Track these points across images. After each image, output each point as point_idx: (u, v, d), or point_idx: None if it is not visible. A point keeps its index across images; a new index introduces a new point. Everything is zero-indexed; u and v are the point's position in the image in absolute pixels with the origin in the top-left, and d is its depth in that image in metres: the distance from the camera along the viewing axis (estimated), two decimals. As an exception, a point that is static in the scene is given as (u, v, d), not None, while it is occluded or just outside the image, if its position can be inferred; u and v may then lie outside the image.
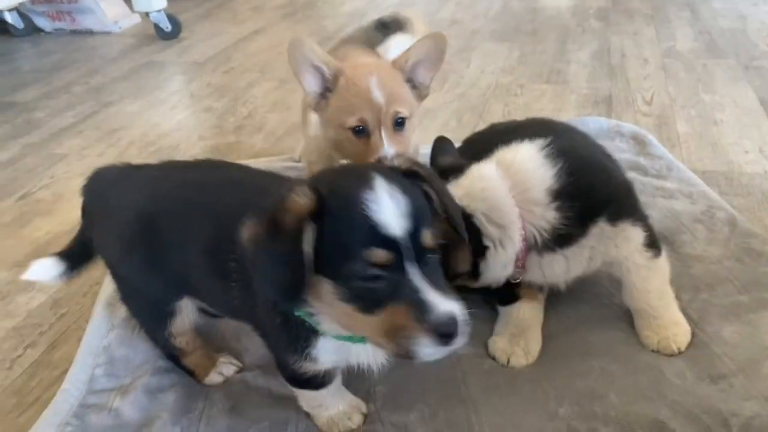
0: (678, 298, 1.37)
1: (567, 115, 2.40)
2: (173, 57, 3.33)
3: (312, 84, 1.39)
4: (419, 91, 1.44)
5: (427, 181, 0.91)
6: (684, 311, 1.34)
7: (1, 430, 1.25)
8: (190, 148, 2.31)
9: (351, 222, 0.81)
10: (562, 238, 1.19)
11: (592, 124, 2.09)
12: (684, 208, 1.66)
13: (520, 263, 1.22)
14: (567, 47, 3.10)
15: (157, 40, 3.56)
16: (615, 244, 1.23)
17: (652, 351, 1.26)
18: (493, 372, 1.23)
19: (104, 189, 1.24)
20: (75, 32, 3.80)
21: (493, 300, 1.36)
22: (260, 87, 2.84)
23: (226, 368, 1.29)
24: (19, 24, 3.75)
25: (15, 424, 1.25)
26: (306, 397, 1.14)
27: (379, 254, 0.80)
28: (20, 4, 3.49)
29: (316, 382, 1.08)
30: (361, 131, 1.36)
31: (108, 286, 1.51)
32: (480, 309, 1.38)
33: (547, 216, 1.17)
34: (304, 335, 0.97)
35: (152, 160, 2.22)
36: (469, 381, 1.21)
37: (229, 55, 3.27)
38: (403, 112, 1.36)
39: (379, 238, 0.80)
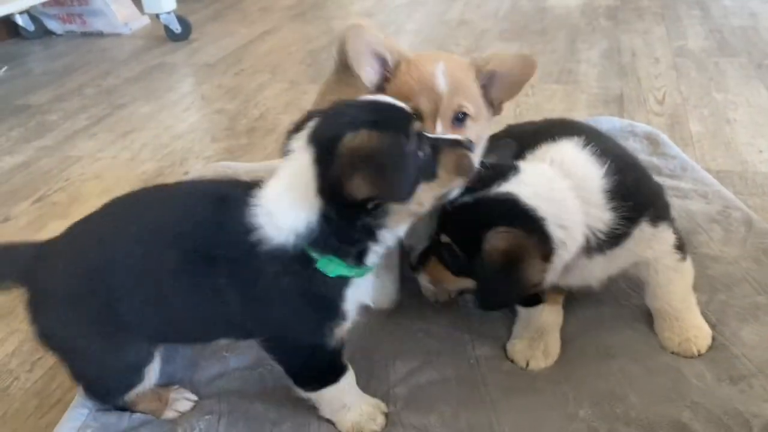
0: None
1: (578, 115, 2.39)
2: (184, 58, 3.34)
3: (371, 74, 1.22)
4: (489, 108, 1.24)
5: None
6: (702, 312, 1.34)
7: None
8: (204, 150, 2.32)
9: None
10: (613, 240, 1.18)
11: (605, 123, 2.09)
12: (699, 208, 1.65)
13: (570, 265, 1.18)
14: (577, 46, 3.09)
15: (167, 41, 3.58)
16: (650, 246, 1.23)
17: (672, 353, 1.26)
18: (513, 374, 1.24)
19: (37, 268, 1.12)
20: (85, 34, 3.82)
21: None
22: (272, 88, 2.85)
23: (180, 404, 1.24)
24: (30, 27, 3.78)
25: (37, 426, 1.27)
26: (327, 399, 1.15)
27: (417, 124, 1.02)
28: (31, 6, 3.51)
29: (336, 369, 1.12)
30: None
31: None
32: (498, 311, 1.39)
33: (604, 217, 1.16)
34: (334, 290, 1.04)
35: (166, 162, 2.25)
36: (489, 382, 1.22)
37: (240, 57, 3.28)
38: (468, 107, 1.17)
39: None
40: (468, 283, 1.16)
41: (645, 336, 1.31)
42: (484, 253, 1.06)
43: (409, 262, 1.28)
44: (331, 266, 1.01)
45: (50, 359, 1.41)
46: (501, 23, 3.56)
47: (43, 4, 3.71)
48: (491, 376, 1.23)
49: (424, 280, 1.25)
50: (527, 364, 1.24)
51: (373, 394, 1.22)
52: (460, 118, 1.18)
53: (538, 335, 1.27)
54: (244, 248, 1.00)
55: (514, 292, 1.13)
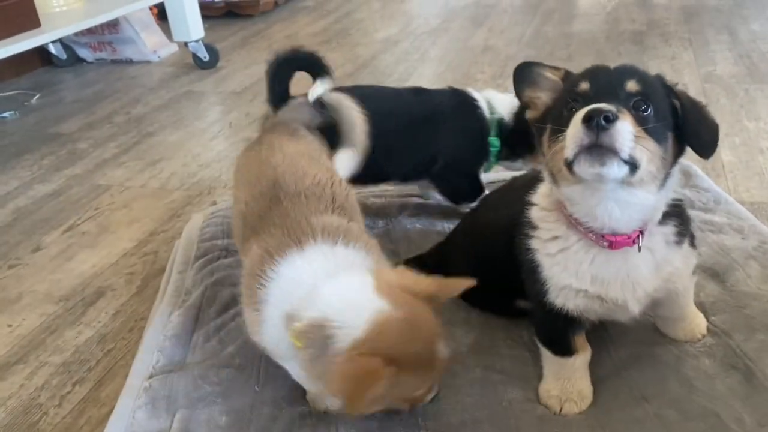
0: (731, 338, 1.35)
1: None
2: (211, 86, 3.39)
3: None
4: None
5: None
6: (738, 350, 1.31)
7: (52, 468, 1.26)
8: (231, 180, 2.33)
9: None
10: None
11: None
12: (735, 243, 1.62)
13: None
14: (604, 73, 3.06)
15: (195, 69, 3.63)
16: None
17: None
18: (546, 419, 1.20)
19: None
20: (115, 62, 3.89)
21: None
22: (297, 116, 2.86)
23: None
24: (62, 55, 3.86)
25: (65, 463, 1.27)
26: None
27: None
28: (64, 35, 3.58)
29: None
30: None
31: (155, 324, 1.52)
32: (528, 352, 1.37)
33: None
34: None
35: (194, 191, 2.27)
36: (522, 428, 1.19)
37: (266, 85, 3.31)
38: None
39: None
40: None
41: (678, 375, 1.27)
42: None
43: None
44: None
45: (78, 394, 1.42)
46: (526, 49, 3.55)
47: (75, 33, 3.79)
48: (524, 422, 1.20)
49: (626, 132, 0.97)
50: (561, 409, 1.21)
51: (403, 426, 1.21)
52: None
53: (571, 382, 1.24)
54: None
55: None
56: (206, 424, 1.24)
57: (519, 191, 1.32)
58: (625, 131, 0.97)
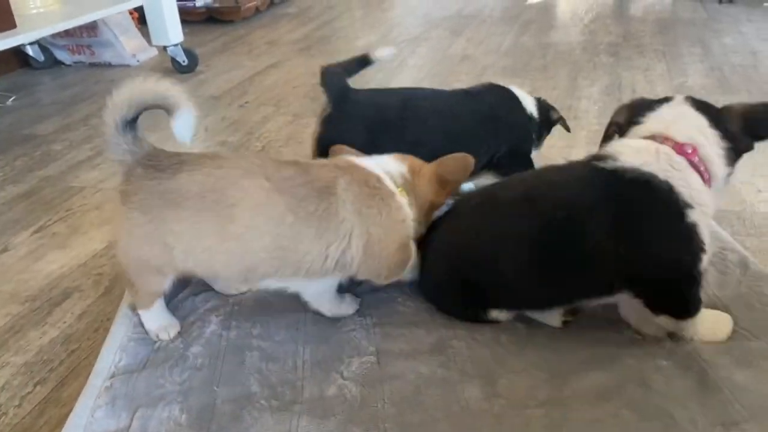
0: (689, 341, 1.37)
1: (578, 151, 2.41)
2: (190, 90, 3.33)
3: None
4: None
5: None
6: (695, 352, 1.34)
7: (10, 468, 1.26)
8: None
9: None
10: None
11: (603, 162, 2.09)
12: (695, 248, 1.65)
13: None
14: (578, 83, 3.12)
15: (174, 73, 3.63)
16: None
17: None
18: (503, 417, 1.21)
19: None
20: (94, 65, 3.88)
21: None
22: (275, 121, 2.88)
23: None
24: (40, 57, 3.84)
25: (23, 463, 1.26)
26: None
27: None
28: (41, 37, 3.57)
29: None
30: None
31: (119, 325, 1.52)
32: (488, 350, 1.38)
33: None
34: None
35: (166, 194, 2.26)
36: (480, 427, 1.20)
37: (245, 89, 3.32)
38: None
39: None
40: None
41: (636, 376, 1.29)
42: None
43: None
44: None
45: (39, 394, 1.41)
46: (503, 59, 3.60)
47: (53, 35, 3.78)
48: (482, 420, 1.21)
49: None
50: None
51: (363, 429, 1.21)
52: None
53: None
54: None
55: None
56: (166, 423, 1.24)
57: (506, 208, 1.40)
58: None
